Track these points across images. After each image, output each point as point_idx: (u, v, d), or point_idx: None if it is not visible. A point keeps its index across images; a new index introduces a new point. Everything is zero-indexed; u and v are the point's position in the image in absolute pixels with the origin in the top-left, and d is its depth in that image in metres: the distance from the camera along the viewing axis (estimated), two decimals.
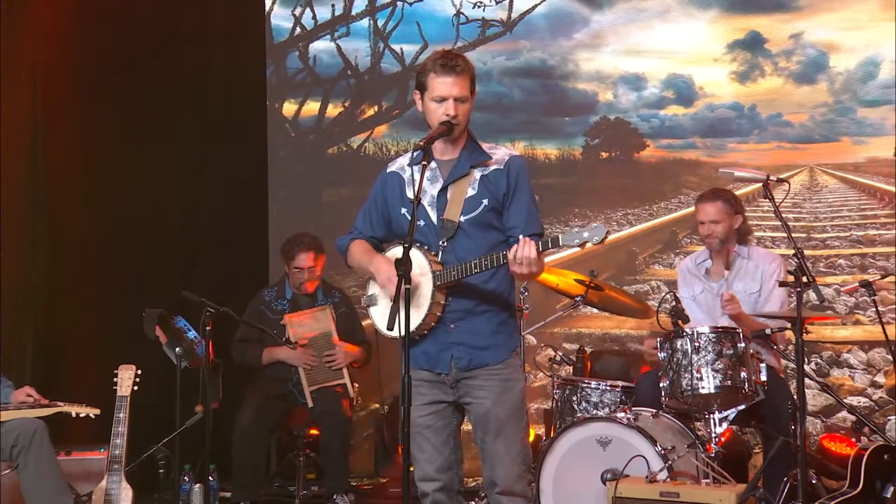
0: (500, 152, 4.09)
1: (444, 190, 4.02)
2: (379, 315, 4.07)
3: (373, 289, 4.14)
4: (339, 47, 8.05)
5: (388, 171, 4.19)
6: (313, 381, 6.32)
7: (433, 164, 4.02)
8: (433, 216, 4.02)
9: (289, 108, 8.13)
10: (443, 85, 3.94)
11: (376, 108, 8.04)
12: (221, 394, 6.16)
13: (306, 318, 6.38)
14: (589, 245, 3.71)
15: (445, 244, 3.98)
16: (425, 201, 4.03)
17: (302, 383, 6.30)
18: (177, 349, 5.81)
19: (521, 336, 4.48)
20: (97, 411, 5.46)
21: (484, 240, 3.97)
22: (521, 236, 3.77)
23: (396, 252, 4.01)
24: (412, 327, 3.89)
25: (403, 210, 4.06)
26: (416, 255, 3.94)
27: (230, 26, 7.73)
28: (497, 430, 3.99)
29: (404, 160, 4.15)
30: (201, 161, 7.62)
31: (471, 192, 4.00)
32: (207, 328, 5.75)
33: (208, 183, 7.65)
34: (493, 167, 4.03)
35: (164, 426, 5.87)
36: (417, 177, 3.91)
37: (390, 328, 3.75)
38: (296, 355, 6.28)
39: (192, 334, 5.93)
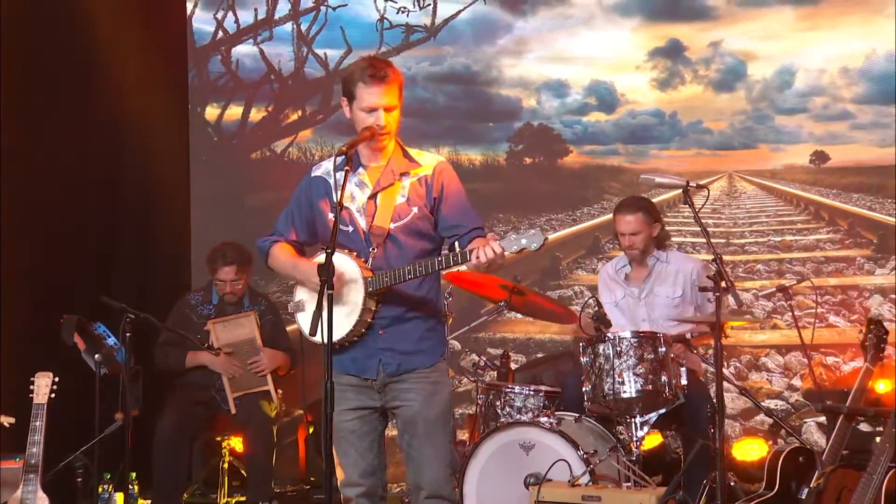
0: (427, 158, 4.10)
1: (373, 197, 4.02)
2: (305, 321, 4.02)
3: (300, 294, 4.11)
4: (262, 51, 8.00)
5: (313, 175, 4.16)
6: (237, 387, 6.26)
7: (361, 170, 4.03)
8: (362, 223, 4.01)
9: (211, 112, 8.05)
10: (371, 95, 3.93)
11: (300, 112, 8.00)
12: (142, 401, 6.08)
13: (230, 323, 6.32)
14: (527, 251, 3.72)
15: (375, 251, 3.98)
16: (353, 207, 4.02)
17: (225, 389, 6.24)
18: (96, 356, 5.73)
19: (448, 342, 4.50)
20: (12, 420, 5.35)
21: (414, 247, 3.98)
22: (456, 243, 3.80)
23: (323, 258, 3.98)
24: (343, 333, 3.92)
25: (331, 215, 4.02)
26: (346, 261, 3.93)
27: (150, 29, 7.62)
28: (425, 433, 4.00)
29: (329, 165, 4.12)
30: (120, 165, 7.51)
31: (400, 199, 4.01)
32: (127, 334, 5.67)
33: (128, 187, 7.54)
34: (421, 174, 4.04)
35: (83, 434, 5.78)
36: (341, 182, 3.89)
37: (313, 334, 3.72)
38: (219, 362, 6.22)
39: (111, 341, 5.85)
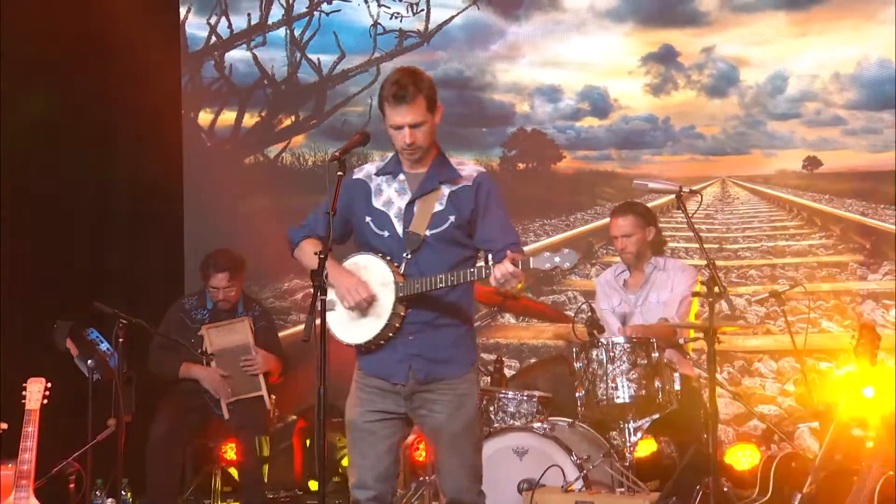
0: (469, 169, 4.11)
1: (411, 203, 4.04)
2: (335, 321, 4.05)
3: (331, 294, 4.10)
4: (255, 56, 8.01)
5: (354, 177, 4.16)
6: (231, 392, 6.26)
7: (401, 177, 4.06)
8: (398, 228, 4.03)
9: (204, 117, 8.05)
10: (395, 115, 3.95)
11: (293, 117, 8.00)
12: (134, 407, 6.07)
13: (224, 329, 6.32)
14: (559, 269, 3.72)
15: (409, 256, 3.99)
16: (391, 213, 4.04)
17: (215, 395, 6.24)
18: (89, 361, 5.72)
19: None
20: (4, 426, 5.35)
21: (449, 255, 3.98)
22: (489, 256, 3.78)
23: (358, 260, 4.05)
24: (370, 336, 3.96)
25: (368, 219, 4.06)
26: (379, 265, 3.98)
27: (143, 34, 7.61)
28: (449, 443, 4.02)
29: (371, 168, 4.16)
30: (113, 170, 7.50)
31: (438, 207, 4.02)
32: (120, 340, 5.66)
33: (121, 192, 7.53)
34: (461, 184, 4.05)
35: (75, 440, 5.76)
36: (385, 187, 4.03)
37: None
38: (212, 380, 6.21)
39: (104, 346, 5.84)
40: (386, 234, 4.03)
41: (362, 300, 3.94)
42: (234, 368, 6.27)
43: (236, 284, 6.38)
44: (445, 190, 4.03)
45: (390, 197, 4.06)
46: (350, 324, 4.03)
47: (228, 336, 6.30)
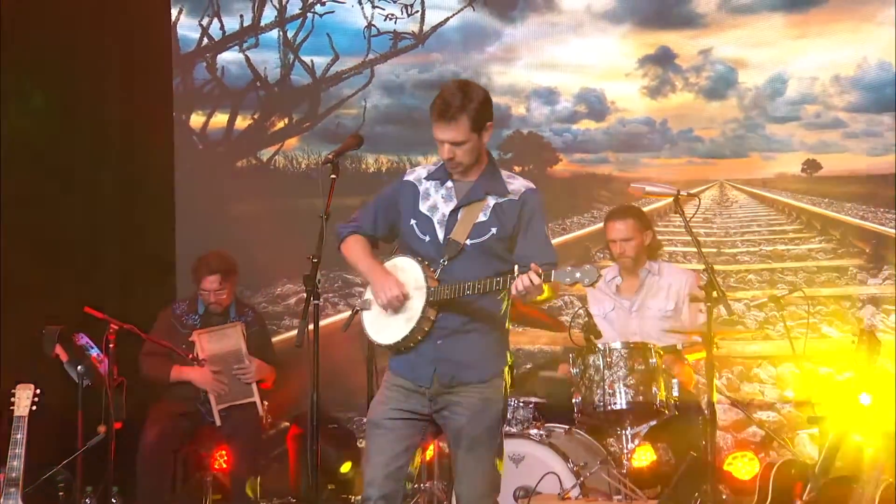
0: (517, 183, 4.15)
1: (455, 210, 4.09)
2: (370, 320, 4.18)
3: (369, 293, 4.20)
4: (247, 58, 7.98)
5: (405, 179, 4.24)
6: (222, 399, 6.24)
7: (449, 184, 4.12)
8: (440, 234, 4.09)
9: (196, 119, 8.03)
10: (438, 130, 4.02)
11: (286, 120, 7.98)
12: (125, 413, 6.04)
13: (216, 334, 6.31)
14: (579, 285, 3.78)
15: (446, 263, 4.05)
16: (435, 218, 4.11)
17: (210, 401, 6.22)
18: (78, 367, 5.71)
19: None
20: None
21: (485, 266, 4.00)
22: (516, 267, 3.81)
23: (397, 262, 4.14)
24: (399, 338, 4.05)
25: (413, 222, 4.14)
26: (415, 268, 4.06)
27: (134, 35, 7.60)
28: (468, 447, 4.05)
29: (422, 172, 4.23)
30: (103, 173, 7.47)
31: (482, 217, 4.07)
32: (111, 345, 5.65)
33: (111, 195, 7.50)
34: (507, 198, 4.09)
35: (65, 447, 5.74)
36: (432, 192, 4.11)
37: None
38: (205, 379, 6.19)
39: (94, 352, 5.82)
40: (427, 238, 4.10)
41: (394, 298, 4.02)
42: (226, 374, 6.25)
43: (228, 287, 6.36)
44: (491, 201, 4.09)
45: (436, 202, 4.13)
46: (382, 324, 4.12)
47: (220, 342, 6.29)
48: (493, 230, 4.06)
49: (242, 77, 7.99)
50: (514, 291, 3.80)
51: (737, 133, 7.40)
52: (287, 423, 6.84)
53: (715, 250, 7.30)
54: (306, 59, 7.91)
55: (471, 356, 4.07)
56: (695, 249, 4.94)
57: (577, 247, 7.56)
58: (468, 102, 3.98)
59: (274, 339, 6.87)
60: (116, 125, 7.54)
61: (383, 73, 7.80)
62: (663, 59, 7.47)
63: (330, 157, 3.99)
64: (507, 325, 4.20)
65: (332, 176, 3.94)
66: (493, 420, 4.08)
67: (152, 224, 7.61)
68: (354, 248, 4.21)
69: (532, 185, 4.18)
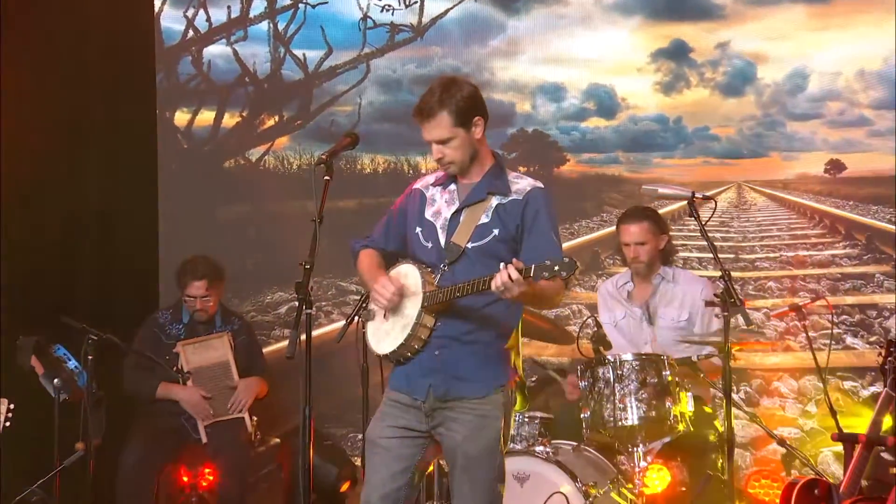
0: (523, 183, 4.18)
1: (458, 213, 4.13)
2: (372, 331, 4.23)
3: (373, 303, 4.23)
4: (235, 52, 7.99)
5: (414, 186, 4.32)
6: (210, 414, 6.25)
7: (452, 187, 4.19)
8: (442, 239, 4.14)
9: (181, 117, 8.03)
10: (423, 132, 4.09)
11: (277, 118, 7.99)
12: (105, 429, 6.05)
13: (201, 345, 6.31)
14: (557, 279, 3.78)
15: (446, 268, 4.08)
16: (438, 223, 4.15)
17: (195, 417, 6.22)
18: (55, 380, 5.69)
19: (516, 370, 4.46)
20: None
21: (487, 269, 3.96)
22: (501, 265, 3.80)
23: (400, 269, 4.18)
24: (394, 346, 4.08)
25: (418, 229, 4.19)
26: (413, 273, 4.10)
27: (115, 28, 7.60)
28: (463, 468, 4.05)
29: (430, 178, 4.31)
30: (81, 174, 7.47)
31: (484, 219, 4.10)
32: (89, 357, 5.65)
33: (90, 198, 7.50)
34: (511, 197, 4.12)
35: (41, 465, 5.74)
36: (437, 197, 4.16)
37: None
38: (193, 400, 6.20)
39: (72, 364, 5.82)
40: (430, 244, 4.15)
41: (387, 294, 4.04)
42: (212, 388, 6.26)
43: (214, 294, 6.37)
44: (494, 202, 4.11)
45: (440, 207, 4.19)
46: (382, 333, 4.17)
47: (205, 353, 6.29)
48: (495, 231, 4.08)
49: (230, 72, 8.00)
50: (493, 288, 3.78)
51: (755, 131, 7.41)
52: (277, 440, 6.84)
53: (732, 256, 7.31)
54: (298, 52, 7.92)
55: (468, 368, 4.07)
56: (711, 255, 4.94)
57: (586, 252, 7.56)
58: (447, 97, 4.03)
59: (264, 351, 6.87)
60: (96, 123, 7.54)
61: (380, 67, 7.81)
62: (677, 53, 7.48)
63: (323, 157, 4.00)
64: (517, 336, 4.20)
65: (326, 177, 3.95)
66: (491, 439, 4.06)
67: (134, 228, 7.61)
68: (363, 263, 4.29)
69: (539, 184, 4.19)
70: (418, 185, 4.31)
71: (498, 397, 4.10)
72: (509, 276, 3.73)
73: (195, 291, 6.33)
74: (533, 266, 3.73)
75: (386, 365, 4.29)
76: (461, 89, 4.07)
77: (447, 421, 4.07)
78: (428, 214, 4.19)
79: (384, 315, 4.17)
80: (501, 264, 3.78)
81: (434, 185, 4.25)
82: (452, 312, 4.04)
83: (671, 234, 5.92)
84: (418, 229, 4.20)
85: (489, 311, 4.07)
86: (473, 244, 4.08)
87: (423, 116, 4.05)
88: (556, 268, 3.70)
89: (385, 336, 4.14)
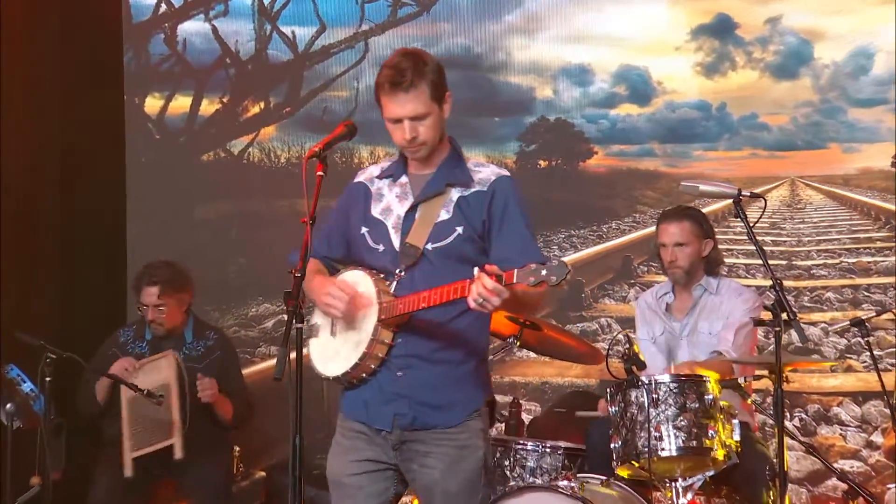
0: (486, 171, 4.13)
1: (412, 209, 4.07)
2: (315, 348, 4.10)
3: (316, 317, 4.15)
4: (215, 29, 8.02)
5: (355, 181, 4.24)
6: (137, 443, 6.10)
7: (403, 179, 4.12)
8: (395, 240, 4.06)
9: (152, 103, 8.06)
10: (393, 105, 3.98)
11: (262, 104, 8.01)
12: (65, 461, 6.04)
13: (148, 366, 6.14)
14: (546, 285, 3.68)
15: (403, 273, 4.01)
16: (389, 222, 4.09)
17: (123, 445, 6.04)
18: (7, 405, 5.70)
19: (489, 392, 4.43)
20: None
21: (453, 274, 3.91)
22: (475, 269, 3.74)
23: (346, 277, 4.08)
24: (347, 368, 3.97)
25: (364, 230, 4.11)
26: (365, 282, 4.00)
27: (74, 0, 7.62)
28: None
29: (374, 170, 4.22)
30: (39, 169, 7.49)
31: (444, 215, 4.04)
32: (47, 379, 5.65)
33: (49, 196, 7.52)
34: (474, 189, 4.06)
35: None
36: (386, 192, 4.09)
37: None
38: (120, 367, 6.11)
39: (27, 386, 5.81)
40: (381, 247, 4.07)
41: (347, 305, 3.93)
42: (146, 415, 6.10)
43: (173, 304, 6.30)
44: (454, 195, 4.06)
45: (390, 203, 4.11)
46: (331, 352, 4.06)
47: (151, 376, 6.17)
48: (459, 230, 4.02)
49: (208, 52, 8.03)
50: (472, 304, 3.71)
51: (811, 119, 7.42)
52: (262, 473, 6.85)
53: (785, 262, 7.31)
54: (286, 30, 7.94)
55: (439, 393, 4.00)
56: (760, 262, 4.93)
57: (615, 258, 7.57)
58: (423, 66, 3.98)
59: (247, 371, 6.87)
60: (55, 109, 7.55)
61: (380, 47, 7.82)
62: (721, 30, 7.49)
63: (316, 149, 3.98)
64: (487, 350, 4.17)
65: (319, 172, 3.93)
66: (471, 472, 4.03)
67: (100, 230, 7.62)
68: (311, 273, 4.09)
69: (505, 172, 4.15)
70: (360, 177, 4.23)
71: (475, 423, 4.07)
72: (485, 286, 3.66)
73: (147, 299, 6.29)
74: (515, 271, 3.66)
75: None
76: (431, 60, 4.03)
77: (419, 456, 4.01)
78: (375, 212, 4.10)
79: (330, 331, 4.07)
80: (475, 270, 3.71)
81: (380, 177, 4.16)
82: (415, 327, 3.97)
83: (717, 238, 5.89)
84: (364, 230, 4.11)
85: (458, 324, 4.02)
86: (434, 245, 4.01)
87: (402, 87, 3.94)
88: (544, 272, 3.63)
89: (334, 355, 4.05)
